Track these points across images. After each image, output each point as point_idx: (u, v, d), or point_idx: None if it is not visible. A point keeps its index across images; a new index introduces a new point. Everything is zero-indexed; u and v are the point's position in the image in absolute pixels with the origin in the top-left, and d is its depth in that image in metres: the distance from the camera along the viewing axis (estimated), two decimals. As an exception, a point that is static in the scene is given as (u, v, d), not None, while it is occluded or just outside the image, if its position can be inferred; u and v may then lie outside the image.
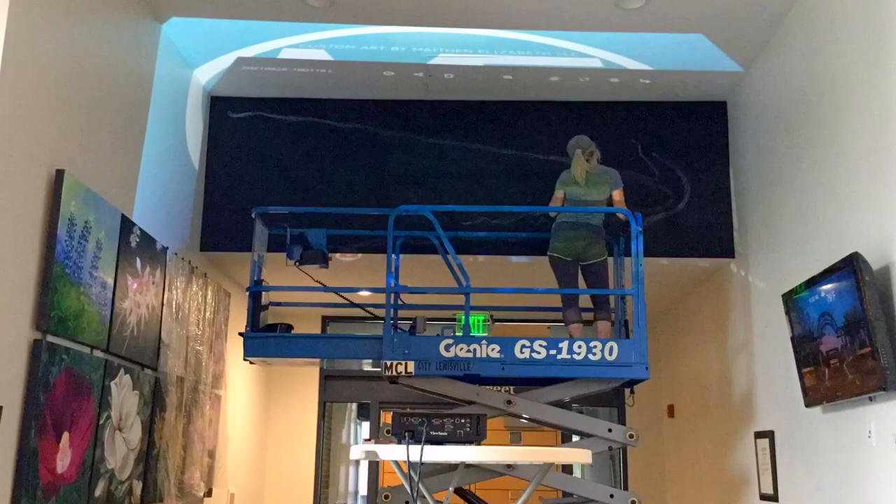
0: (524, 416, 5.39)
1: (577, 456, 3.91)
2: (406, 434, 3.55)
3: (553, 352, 5.09)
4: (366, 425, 9.42)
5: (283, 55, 6.01)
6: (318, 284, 5.59)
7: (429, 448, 3.47)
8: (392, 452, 3.56)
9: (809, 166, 5.07)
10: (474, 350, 5.09)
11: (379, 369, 5.25)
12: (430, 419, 3.61)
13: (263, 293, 5.49)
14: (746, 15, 5.36)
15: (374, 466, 8.18)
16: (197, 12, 5.48)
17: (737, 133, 6.41)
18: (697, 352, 7.62)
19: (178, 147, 6.07)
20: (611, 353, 5.07)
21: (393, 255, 5.43)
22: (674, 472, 8.39)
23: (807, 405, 4.84)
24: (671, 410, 8.40)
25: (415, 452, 3.43)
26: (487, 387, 5.35)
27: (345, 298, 5.84)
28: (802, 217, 5.17)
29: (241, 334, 5.30)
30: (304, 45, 5.85)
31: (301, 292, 6.11)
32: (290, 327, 5.43)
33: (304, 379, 8.70)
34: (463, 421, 3.62)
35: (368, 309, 5.80)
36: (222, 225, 6.46)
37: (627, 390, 5.76)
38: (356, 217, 6.27)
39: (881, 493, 4.13)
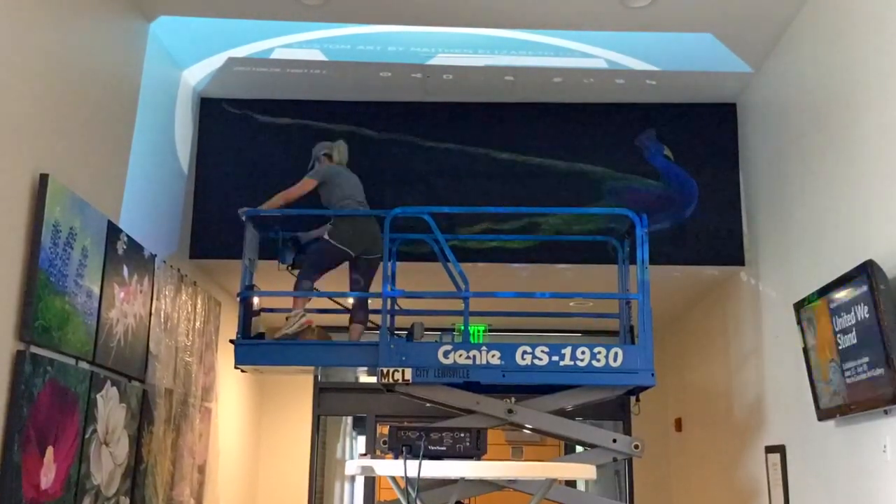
0: (526, 425, 5.32)
1: (581, 471, 3.90)
2: (403, 449, 3.51)
3: (556, 358, 5.03)
4: (362, 439, 9.35)
5: (276, 55, 5.97)
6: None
7: (427, 463, 3.43)
8: (389, 468, 3.52)
9: (822, 170, 5.02)
10: (474, 356, 5.03)
11: (375, 379, 5.16)
12: (428, 433, 3.58)
13: (255, 300, 5.41)
14: (756, 13, 5.32)
15: (370, 482, 8.12)
16: (186, 11, 5.45)
17: (747, 136, 6.37)
18: (706, 363, 7.59)
19: (167, 150, 6.02)
20: (615, 360, 5.03)
21: (389, 263, 5.36)
22: (681, 489, 8.36)
23: (819, 418, 4.79)
24: (678, 424, 8.39)
25: (412, 468, 3.39)
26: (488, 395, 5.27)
27: (339, 304, 5.72)
28: (815, 223, 5.11)
29: (231, 341, 5.25)
30: (297, 44, 5.82)
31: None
32: None
33: (297, 391, 8.65)
34: (462, 435, 3.60)
35: None
36: (212, 231, 6.38)
37: (633, 399, 5.71)
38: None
39: (898, 510, 4.07)
